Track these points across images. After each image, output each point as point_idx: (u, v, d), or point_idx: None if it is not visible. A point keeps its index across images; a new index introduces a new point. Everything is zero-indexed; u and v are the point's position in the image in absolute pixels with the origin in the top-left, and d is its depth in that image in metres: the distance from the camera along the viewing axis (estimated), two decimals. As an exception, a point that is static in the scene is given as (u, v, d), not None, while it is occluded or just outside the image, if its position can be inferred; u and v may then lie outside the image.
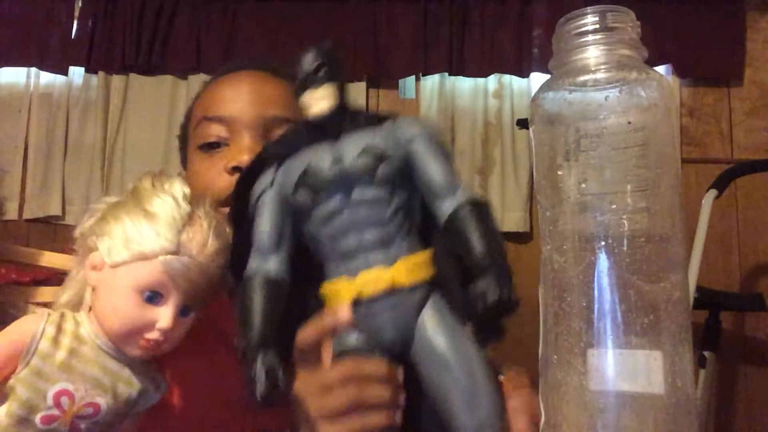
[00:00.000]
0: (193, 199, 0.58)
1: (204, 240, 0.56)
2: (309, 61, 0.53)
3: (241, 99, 0.73)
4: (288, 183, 0.53)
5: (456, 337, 0.50)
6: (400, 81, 2.51)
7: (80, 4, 2.49)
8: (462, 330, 0.51)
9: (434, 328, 0.50)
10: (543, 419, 0.46)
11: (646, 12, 2.29)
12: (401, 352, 0.52)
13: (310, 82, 0.52)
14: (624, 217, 0.43)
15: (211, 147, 0.72)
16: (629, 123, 0.44)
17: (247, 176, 0.56)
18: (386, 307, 0.51)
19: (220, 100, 0.74)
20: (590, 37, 0.46)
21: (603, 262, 0.43)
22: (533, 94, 0.49)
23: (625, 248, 0.43)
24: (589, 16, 0.46)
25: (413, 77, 2.49)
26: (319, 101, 0.52)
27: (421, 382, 0.51)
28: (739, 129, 2.44)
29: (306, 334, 0.52)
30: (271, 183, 0.54)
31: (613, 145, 0.44)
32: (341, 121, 0.53)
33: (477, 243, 0.48)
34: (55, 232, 2.38)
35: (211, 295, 0.58)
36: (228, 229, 0.58)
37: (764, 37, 2.47)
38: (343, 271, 0.52)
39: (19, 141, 2.45)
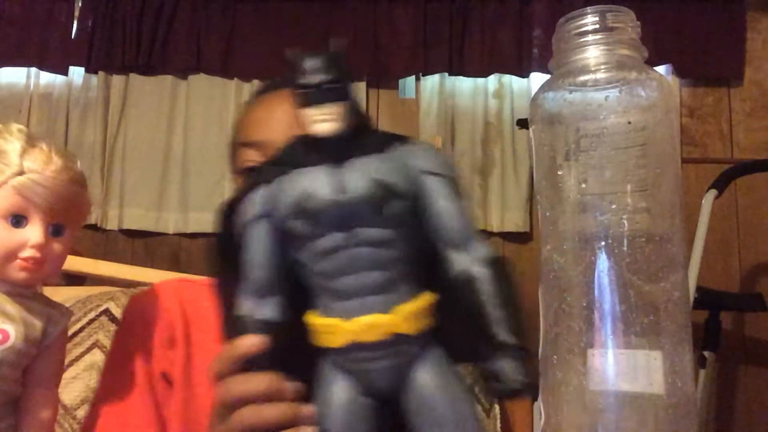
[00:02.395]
0: (30, 133, 0.62)
1: (47, 158, 0.59)
2: (313, 69, 0.46)
3: (273, 121, 0.72)
4: (281, 208, 0.47)
5: (451, 394, 0.47)
6: (400, 81, 2.51)
7: (80, 4, 2.49)
8: (458, 385, 0.48)
9: (430, 382, 0.47)
10: (543, 419, 0.46)
11: (646, 12, 2.29)
12: (393, 396, 0.48)
13: (314, 97, 0.46)
14: (624, 217, 0.43)
15: (251, 172, 0.72)
16: (629, 123, 0.44)
17: (235, 202, 0.50)
18: (383, 355, 0.47)
19: (253, 124, 0.74)
20: (590, 37, 0.46)
21: (603, 262, 0.43)
22: (533, 94, 0.49)
23: (625, 248, 0.43)
24: (589, 16, 0.46)
25: (413, 77, 2.49)
26: (323, 121, 0.46)
27: (406, 428, 0.48)
28: (739, 129, 2.44)
29: (220, 360, 0.50)
30: (260, 210, 0.48)
31: (614, 145, 0.44)
32: (346, 143, 0.47)
33: (496, 314, 0.44)
34: (55, 232, 2.38)
35: (76, 211, 0.62)
36: (72, 154, 0.62)
37: (764, 37, 2.47)
38: (339, 311, 0.47)
39: (19, 141, 2.45)
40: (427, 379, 0.47)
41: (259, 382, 0.48)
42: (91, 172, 2.42)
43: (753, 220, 2.37)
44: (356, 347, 0.46)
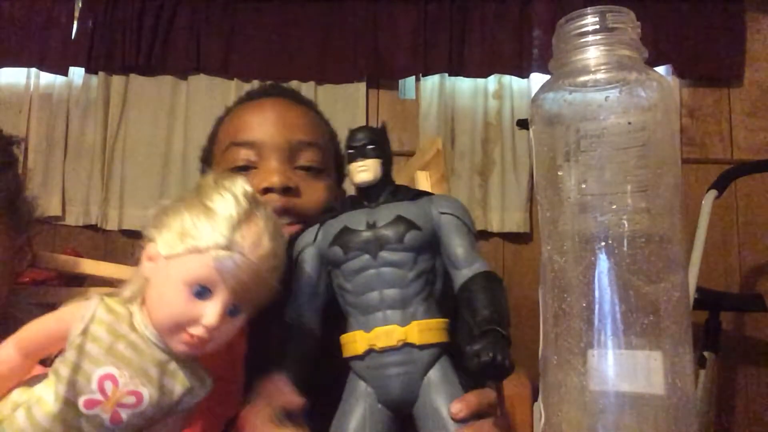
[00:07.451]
0: (254, 200, 0.57)
1: (258, 240, 0.55)
2: (361, 136, 0.60)
3: (268, 124, 0.76)
4: (326, 239, 0.60)
5: (455, 398, 0.54)
6: (400, 81, 2.51)
7: (80, 5, 2.49)
8: (463, 391, 0.55)
9: (438, 390, 0.55)
10: (543, 419, 0.46)
11: (646, 12, 2.29)
12: (405, 406, 0.56)
13: (359, 153, 0.60)
14: (624, 217, 0.43)
15: (241, 170, 0.75)
16: (629, 123, 0.44)
17: (294, 238, 0.63)
18: (395, 363, 0.55)
19: (247, 126, 0.77)
20: (590, 38, 0.46)
21: (603, 262, 0.43)
22: (533, 94, 0.49)
23: (625, 249, 0.43)
24: (589, 16, 0.46)
25: (413, 77, 2.49)
26: (364, 172, 0.60)
27: None
28: (739, 129, 2.44)
29: (260, 409, 0.57)
30: (314, 240, 0.62)
31: (613, 146, 0.44)
32: (381, 192, 0.61)
33: (482, 308, 0.53)
34: (55, 232, 2.38)
35: (261, 297, 0.57)
36: (284, 234, 0.60)
37: (764, 37, 2.47)
38: (362, 324, 0.57)
39: (19, 141, 2.45)
40: (435, 386, 0.55)
41: None
42: (91, 172, 2.42)
43: (753, 220, 2.37)
44: (372, 353, 0.56)
